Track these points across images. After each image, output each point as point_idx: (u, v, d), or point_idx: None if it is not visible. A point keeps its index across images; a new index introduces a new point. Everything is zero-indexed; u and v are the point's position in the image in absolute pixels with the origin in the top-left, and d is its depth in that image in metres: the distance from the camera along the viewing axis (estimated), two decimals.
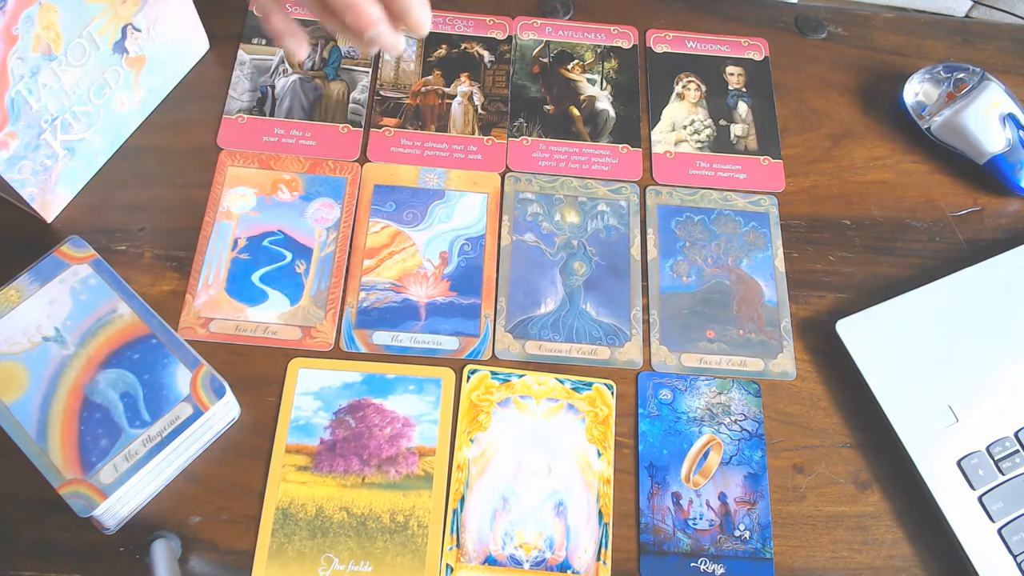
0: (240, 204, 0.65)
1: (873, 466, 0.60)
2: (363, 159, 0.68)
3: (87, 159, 0.64)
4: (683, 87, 0.73)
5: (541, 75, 0.73)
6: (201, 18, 0.68)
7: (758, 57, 0.75)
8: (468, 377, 0.60)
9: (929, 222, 0.69)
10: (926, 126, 0.71)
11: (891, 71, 0.75)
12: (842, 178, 0.70)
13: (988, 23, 0.84)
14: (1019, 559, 0.55)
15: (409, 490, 0.57)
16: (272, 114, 0.69)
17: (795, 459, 0.60)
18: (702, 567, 0.56)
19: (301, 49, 0.52)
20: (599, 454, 0.59)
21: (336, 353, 0.60)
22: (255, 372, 0.59)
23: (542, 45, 0.74)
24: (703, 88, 0.73)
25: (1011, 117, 0.68)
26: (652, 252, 0.66)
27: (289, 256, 0.63)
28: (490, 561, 0.55)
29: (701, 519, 0.57)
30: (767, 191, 0.69)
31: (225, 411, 0.56)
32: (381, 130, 0.69)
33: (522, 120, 0.71)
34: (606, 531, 0.56)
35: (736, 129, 0.72)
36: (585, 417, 0.60)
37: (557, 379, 0.61)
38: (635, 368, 0.62)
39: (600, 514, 0.57)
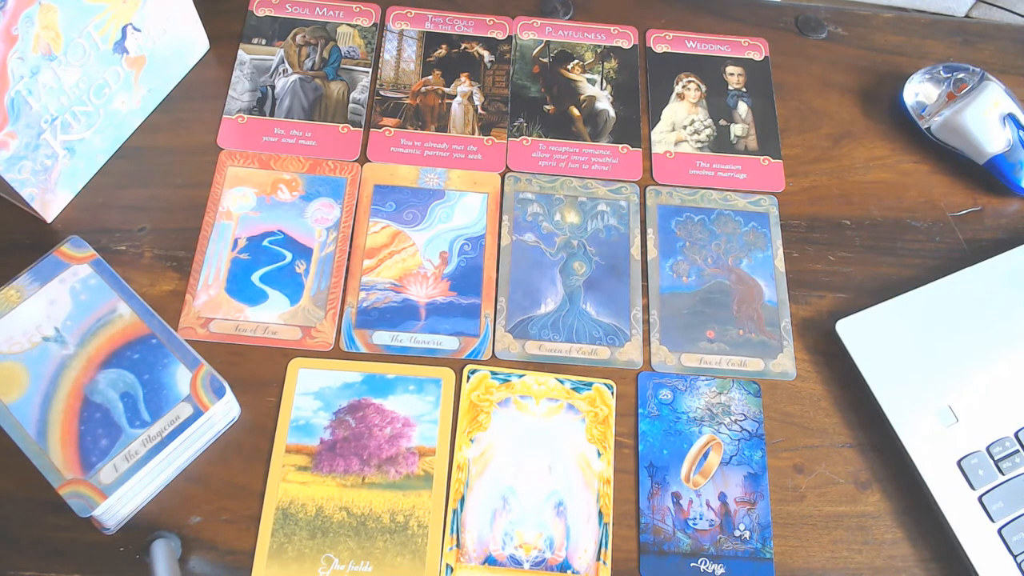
0: (240, 204, 0.65)
1: (873, 466, 0.60)
2: (363, 159, 0.68)
3: (87, 159, 0.64)
4: (683, 87, 0.73)
5: (541, 75, 0.73)
6: (201, 18, 0.68)
7: (758, 57, 0.75)
8: (468, 377, 0.60)
9: (929, 222, 0.69)
10: (926, 126, 0.71)
11: (891, 71, 0.75)
12: (842, 178, 0.70)
13: (988, 23, 0.84)
14: (1019, 559, 0.55)
15: (409, 490, 0.57)
16: (272, 114, 0.69)
17: (795, 459, 0.60)
18: (702, 567, 0.56)
19: None
20: (599, 454, 0.59)
21: (336, 353, 0.60)
22: (255, 372, 0.59)
23: (542, 45, 0.74)
24: (703, 88, 0.73)
25: (1011, 117, 0.68)
26: (652, 252, 0.66)
27: (289, 256, 0.63)
28: (490, 561, 0.55)
29: (701, 519, 0.57)
30: (767, 191, 0.69)
31: (225, 411, 0.56)
32: (381, 130, 0.69)
33: (522, 120, 0.71)
34: (606, 531, 0.56)
35: (736, 129, 0.72)
36: (585, 417, 0.60)
37: (557, 379, 0.61)
38: (635, 368, 0.62)
39: (600, 514, 0.57)
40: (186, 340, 0.56)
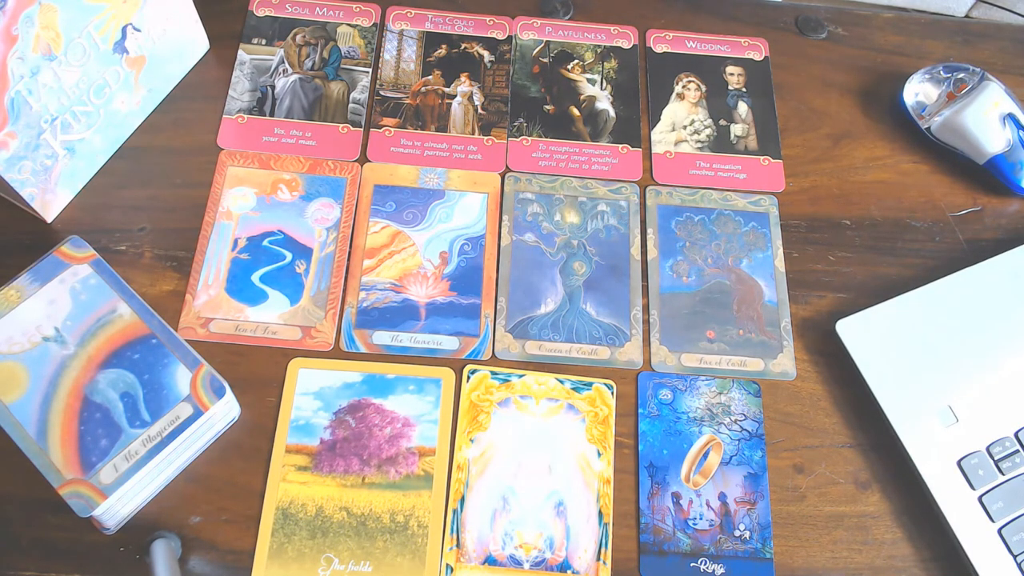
0: (240, 204, 0.65)
1: (873, 466, 0.60)
2: (363, 159, 0.68)
3: (87, 159, 0.64)
4: (683, 87, 0.73)
5: (541, 75, 0.73)
6: (201, 18, 0.68)
7: (758, 57, 0.75)
8: (468, 377, 0.60)
9: (929, 222, 0.69)
10: (926, 126, 0.71)
11: (891, 71, 0.75)
12: (842, 178, 0.70)
13: (988, 23, 0.84)
14: (1019, 559, 0.55)
15: (409, 490, 0.57)
16: (272, 114, 0.69)
17: (795, 459, 0.60)
18: (702, 567, 0.56)
19: None
20: (599, 454, 0.59)
21: (336, 353, 0.60)
22: (255, 372, 0.59)
23: (542, 45, 0.74)
24: (703, 88, 0.73)
25: (1011, 117, 0.68)
26: (652, 252, 0.66)
27: (289, 256, 0.63)
28: (490, 561, 0.55)
29: (701, 519, 0.57)
30: (767, 191, 0.69)
31: (225, 411, 0.56)
32: (381, 130, 0.69)
33: (522, 120, 0.71)
34: (606, 531, 0.56)
35: (736, 129, 0.72)
36: (585, 417, 0.60)
37: (557, 379, 0.61)
38: (635, 368, 0.62)
39: (600, 514, 0.57)
40: (186, 340, 0.56)
